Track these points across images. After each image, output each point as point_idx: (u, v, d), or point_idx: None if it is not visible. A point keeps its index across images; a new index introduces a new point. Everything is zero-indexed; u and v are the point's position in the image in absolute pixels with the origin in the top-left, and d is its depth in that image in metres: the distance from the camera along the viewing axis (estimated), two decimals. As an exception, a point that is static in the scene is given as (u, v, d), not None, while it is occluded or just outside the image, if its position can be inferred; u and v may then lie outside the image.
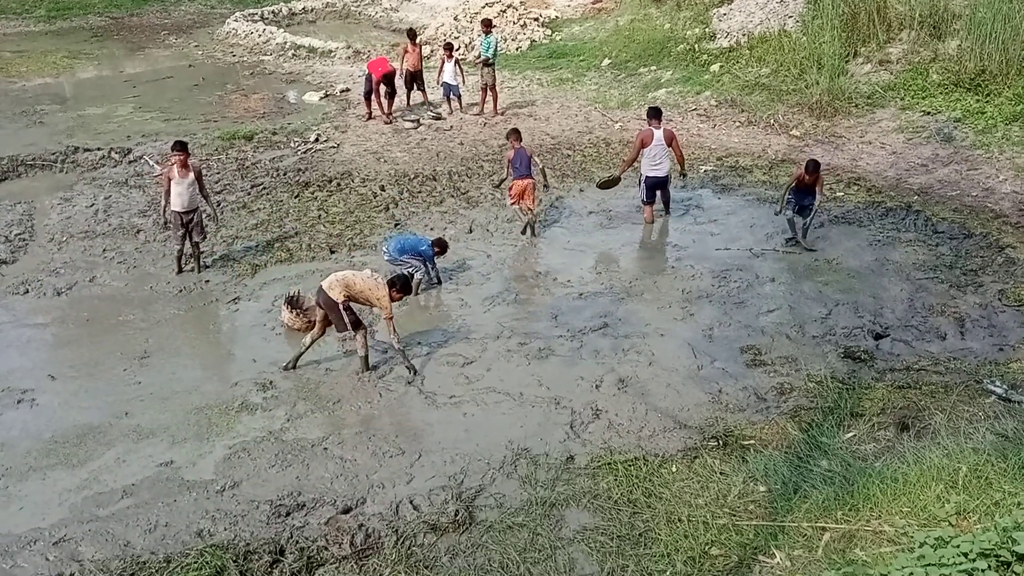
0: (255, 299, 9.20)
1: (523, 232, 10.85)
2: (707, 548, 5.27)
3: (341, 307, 7.28)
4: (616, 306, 8.87)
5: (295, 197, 12.02)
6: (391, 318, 7.34)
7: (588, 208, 11.61)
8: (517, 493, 5.99)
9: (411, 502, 5.92)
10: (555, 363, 7.79)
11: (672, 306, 8.84)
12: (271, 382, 7.56)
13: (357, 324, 7.46)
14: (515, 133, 10.93)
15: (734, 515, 5.56)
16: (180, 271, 9.77)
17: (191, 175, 9.42)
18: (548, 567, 5.20)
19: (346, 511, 5.85)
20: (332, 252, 10.24)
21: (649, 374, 7.54)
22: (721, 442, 6.44)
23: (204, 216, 9.79)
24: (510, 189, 10.86)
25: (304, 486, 6.15)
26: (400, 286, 7.38)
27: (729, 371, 7.58)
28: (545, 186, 11.30)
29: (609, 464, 6.22)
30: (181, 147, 9.46)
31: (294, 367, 7.65)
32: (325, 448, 6.59)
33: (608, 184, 11.44)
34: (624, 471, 6.11)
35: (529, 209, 10.78)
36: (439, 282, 9.43)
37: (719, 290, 9.14)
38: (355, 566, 5.30)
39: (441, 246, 9.39)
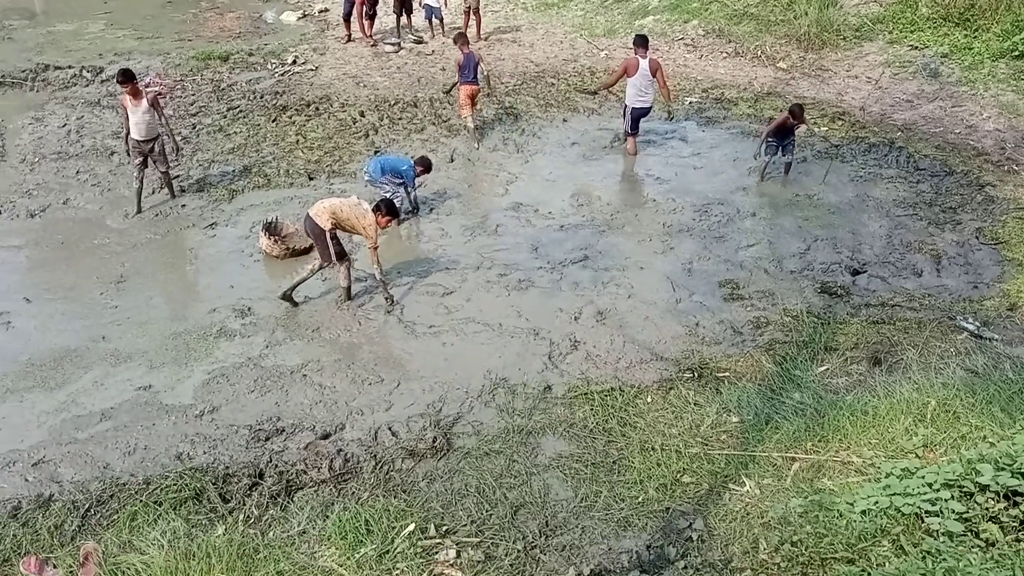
0: (232, 225, 9.04)
1: (478, 145, 11.05)
2: (679, 476, 5.36)
3: (328, 236, 7.14)
4: (597, 239, 8.83)
5: (272, 121, 11.71)
6: (376, 247, 7.21)
7: (571, 139, 11.41)
8: (494, 421, 6.04)
9: (390, 428, 5.94)
10: (535, 294, 7.78)
11: (652, 239, 8.81)
12: (249, 308, 7.49)
13: (342, 255, 7.35)
14: (462, 37, 11.11)
15: (706, 444, 5.65)
16: (139, 211, 9.13)
17: (144, 103, 8.74)
18: (523, 492, 5.28)
19: (325, 436, 5.87)
20: (311, 179, 10.04)
21: (628, 307, 7.56)
22: (696, 374, 6.50)
23: (166, 146, 9.26)
24: (460, 96, 11.08)
25: (283, 412, 6.15)
26: (386, 210, 7.19)
27: (707, 305, 7.61)
28: (489, 93, 11.63)
29: (586, 394, 6.27)
30: (126, 78, 8.72)
31: (290, 298, 7.49)
32: (304, 375, 6.57)
33: (586, 91, 11.85)
34: (600, 401, 6.17)
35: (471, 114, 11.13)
36: (416, 210, 9.29)
37: (700, 224, 9.10)
38: (333, 489, 5.34)
39: (425, 165, 9.20)
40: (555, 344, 7.00)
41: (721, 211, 9.37)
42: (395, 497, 5.23)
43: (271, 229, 8.49)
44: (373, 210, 7.17)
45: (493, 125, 11.72)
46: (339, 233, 7.31)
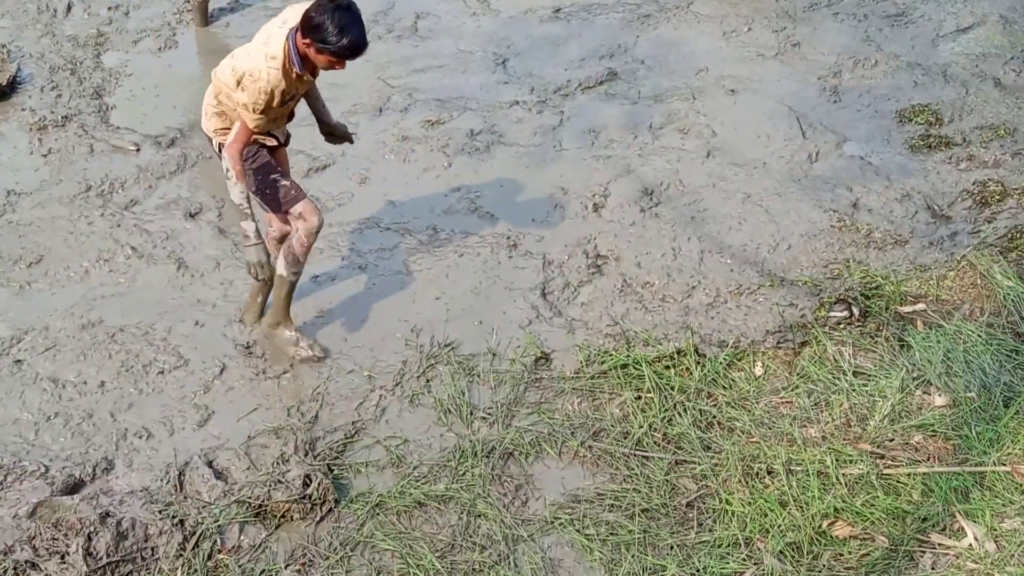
0: None
1: None
2: (824, 525, 5.37)
3: (220, 149, 6.55)
4: (634, 32, 8.89)
5: None
6: (247, 126, 6.43)
7: None
8: (432, 435, 6.04)
9: (210, 464, 5.92)
10: (506, 161, 7.79)
11: (754, 27, 8.89)
12: None
13: (280, 191, 6.74)
14: None
15: (881, 457, 5.67)
16: None
17: None
18: (500, 578, 5.30)
19: (71, 489, 5.84)
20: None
21: (705, 176, 7.57)
22: (856, 310, 6.52)
23: None
24: None
25: (-21, 442, 6.13)
26: (329, 30, 6.18)
27: (872, 161, 7.64)
28: None
29: (624, 366, 6.27)
30: None
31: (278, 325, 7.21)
32: (18, 362, 6.54)
33: None
34: (656, 379, 6.16)
35: None
36: None
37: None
38: (98, 596, 5.33)
39: None
40: (554, 265, 7.00)
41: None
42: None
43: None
44: (301, 25, 6.25)
45: None
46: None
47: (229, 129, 6.14)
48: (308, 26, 5.71)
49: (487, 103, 8.21)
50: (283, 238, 6.60)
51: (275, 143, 6.35)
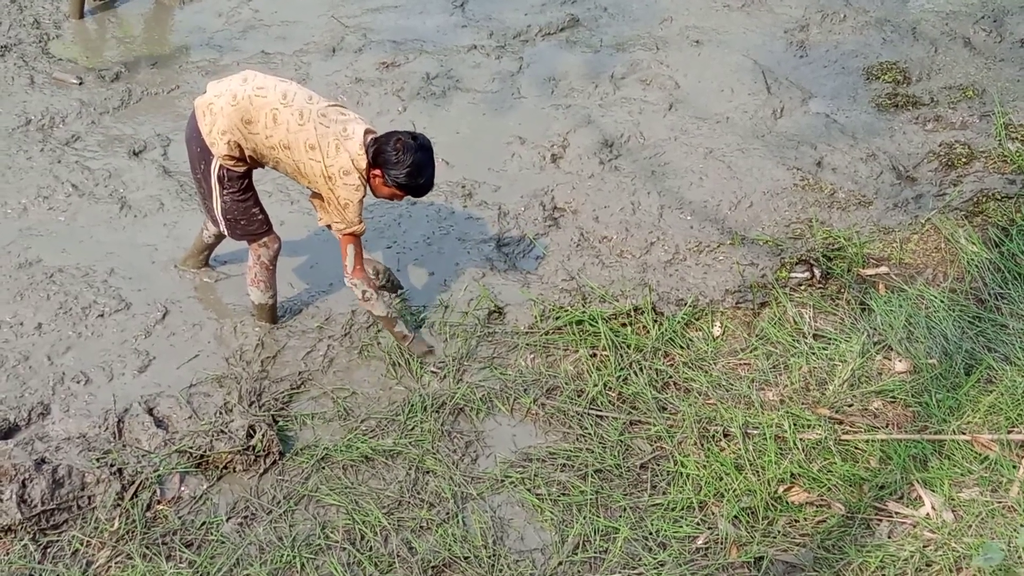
0: None
1: None
2: (780, 491, 5.41)
3: (216, 174, 6.38)
4: (597, -22, 8.78)
5: None
6: (353, 236, 6.21)
7: None
8: (380, 388, 6.05)
9: (150, 411, 5.88)
10: (461, 108, 7.78)
11: (720, -23, 8.81)
12: None
13: (253, 224, 6.55)
14: None
15: (840, 422, 5.70)
16: None
17: None
18: (448, 535, 5.24)
19: (6, 434, 5.78)
20: None
21: (667, 129, 7.57)
22: (817, 271, 6.54)
23: None
24: None
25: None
26: (405, 169, 5.76)
27: (838, 119, 7.66)
28: None
29: (580, 322, 6.28)
30: None
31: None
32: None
33: None
34: (611, 337, 6.16)
35: None
36: None
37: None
38: (31, 547, 5.28)
39: None
40: (509, 216, 7.01)
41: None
42: (169, 558, 5.18)
43: None
44: (371, 154, 5.99)
45: None
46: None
47: (235, 158, 5.91)
48: (384, 160, 5.68)
49: (444, 46, 8.17)
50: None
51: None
